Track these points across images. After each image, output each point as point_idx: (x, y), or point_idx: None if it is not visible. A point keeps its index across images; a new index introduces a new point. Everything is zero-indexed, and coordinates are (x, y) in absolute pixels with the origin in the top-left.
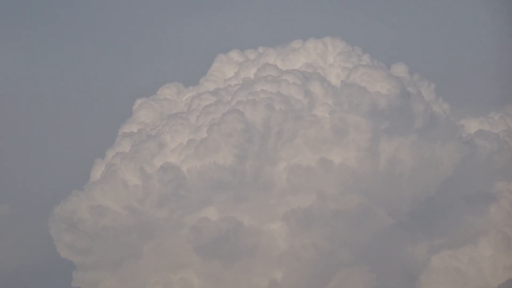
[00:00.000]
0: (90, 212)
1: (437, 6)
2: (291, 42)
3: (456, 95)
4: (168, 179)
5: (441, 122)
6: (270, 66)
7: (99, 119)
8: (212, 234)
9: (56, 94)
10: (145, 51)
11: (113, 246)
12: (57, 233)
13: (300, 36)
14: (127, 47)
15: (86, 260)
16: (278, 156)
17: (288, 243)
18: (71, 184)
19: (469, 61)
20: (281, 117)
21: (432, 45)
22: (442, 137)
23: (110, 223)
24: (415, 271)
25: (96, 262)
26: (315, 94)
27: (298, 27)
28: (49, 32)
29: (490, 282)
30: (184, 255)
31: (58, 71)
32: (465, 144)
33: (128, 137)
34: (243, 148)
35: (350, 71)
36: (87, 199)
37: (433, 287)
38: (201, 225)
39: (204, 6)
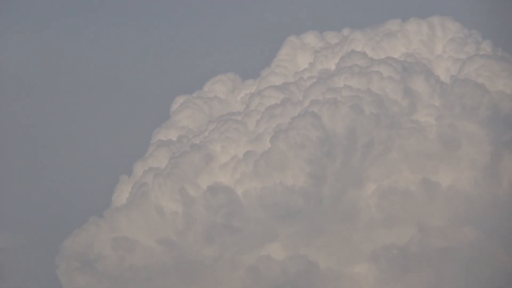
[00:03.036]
0: (113, 247)
1: None
2: (386, 23)
3: None
4: (217, 205)
5: None
6: (357, 55)
7: (125, 122)
8: (276, 278)
9: (70, 89)
10: (187, 31)
11: None
12: (67, 274)
13: (398, 15)
14: (163, 26)
15: None
16: (366, 176)
17: None
18: (87, 209)
19: None
20: (371, 124)
21: None
22: None
23: (139, 262)
24: None
25: None
26: (417, 93)
27: (395, 2)
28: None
29: None
30: None
31: (71, 59)
32: None
33: (164, 146)
34: (320, 164)
35: (464, 63)
36: (108, 230)
37: None
38: (262, 266)
39: None
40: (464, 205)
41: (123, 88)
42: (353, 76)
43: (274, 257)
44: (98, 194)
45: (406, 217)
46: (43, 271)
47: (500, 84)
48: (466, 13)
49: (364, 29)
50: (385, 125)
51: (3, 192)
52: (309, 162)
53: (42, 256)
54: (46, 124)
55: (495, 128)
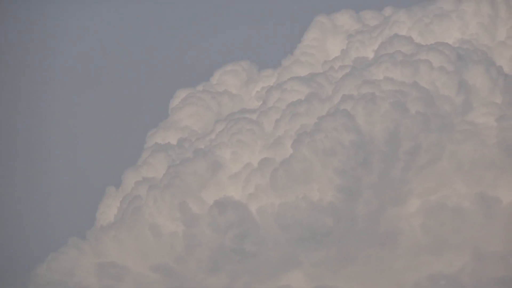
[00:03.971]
0: (98, 275)
1: None
2: (437, 1)
3: None
4: (226, 225)
5: None
6: (401, 39)
7: (113, 121)
8: None
9: (47, 82)
10: (190, 9)
11: None
12: None
13: None
14: (160, 1)
15: None
16: (409, 190)
17: None
18: (66, 228)
19: None
20: (417, 125)
21: None
22: None
23: None
24: None
25: None
26: (474, 88)
27: None
28: None
29: None
30: None
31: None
32: None
33: (161, 152)
34: (353, 175)
35: None
36: (92, 254)
37: None
38: None
39: None
40: None
41: (110, 80)
42: (396, 66)
43: None
44: (80, 210)
45: (458, 241)
46: None
47: None
48: None
49: (410, 8)
50: (435, 128)
51: None
52: (340, 173)
53: (11, 287)
54: (16, 124)
55: None
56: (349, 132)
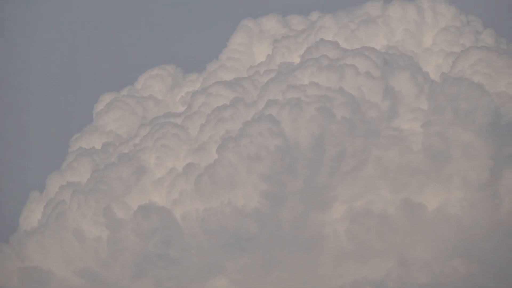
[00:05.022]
0: (21, 279)
1: None
2: (364, 5)
3: None
4: (151, 230)
5: None
6: (327, 44)
7: (36, 125)
8: None
9: None
10: (115, 11)
11: None
12: None
13: None
14: (84, 2)
15: None
16: (334, 196)
17: None
18: None
19: None
20: (343, 131)
21: None
22: None
23: None
24: None
25: None
26: (400, 94)
27: None
28: None
29: None
30: None
31: None
32: None
33: (85, 156)
34: (278, 181)
35: (458, 57)
36: (15, 258)
37: None
38: None
39: None
40: (454, 232)
41: (34, 84)
42: (321, 71)
43: None
44: (3, 215)
45: (383, 247)
46: None
47: (502, 84)
48: None
49: (337, 13)
50: (360, 133)
51: None
52: (265, 179)
53: None
54: None
55: (495, 138)
56: (274, 137)
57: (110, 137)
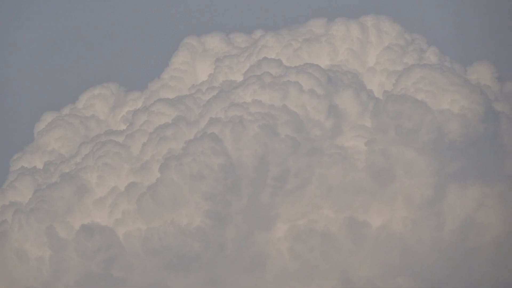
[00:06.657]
0: None
1: None
2: (307, 23)
3: None
4: (93, 249)
5: None
6: (270, 62)
7: None
8: None
9: None
10: (55, 28)
11: None
12: None
13: (323, 14)
14: (25, 21)
15: None
16: (277, 214)
17: None
18: None
19: None
20: (285, 150)
21: None
22: None
23: None
24: None
25: None
26: (343, 112)
27: None
28: None
29: None
30: None
31: None
32: None
33: (27, 176)
34: (222, 200)
35: (400, 74)
36: None
37: None
38: None
39: None
40: (398, 251)
41: None
42: (264, 89)
43: None
44: None
45: (326, 266)
46: None
47: (445, 102)
48: (408, 12)
49: (280, 31)
50: (304, 152)
51: None
52: (208, 197)
53: None
54: None
55: (438, 155)
56: (217, 156)
57: (52, 156)
